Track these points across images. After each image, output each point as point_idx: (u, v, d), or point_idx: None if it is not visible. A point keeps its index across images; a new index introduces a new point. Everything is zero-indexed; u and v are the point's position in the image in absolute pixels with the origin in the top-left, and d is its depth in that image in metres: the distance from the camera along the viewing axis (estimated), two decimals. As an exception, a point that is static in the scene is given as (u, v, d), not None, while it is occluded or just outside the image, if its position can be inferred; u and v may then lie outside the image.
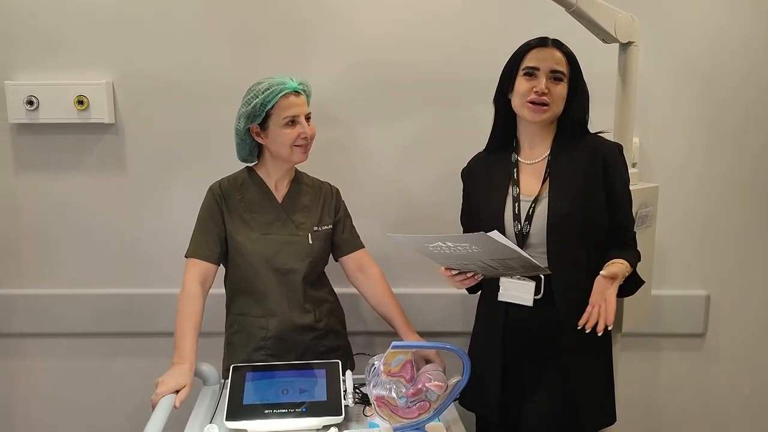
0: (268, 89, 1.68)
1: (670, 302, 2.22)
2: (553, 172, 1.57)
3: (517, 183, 1.60)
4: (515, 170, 1.62)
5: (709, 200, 2.18)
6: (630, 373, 2.27)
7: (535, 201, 1.56)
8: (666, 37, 2.09)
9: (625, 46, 1.78)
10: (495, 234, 1.34)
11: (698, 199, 2.18)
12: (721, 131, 2.15)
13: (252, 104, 1.69)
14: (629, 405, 2.29)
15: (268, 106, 1.69)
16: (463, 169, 1.76)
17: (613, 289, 1.47)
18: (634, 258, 1.58)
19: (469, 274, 1.54)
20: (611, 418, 1.66)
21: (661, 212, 2.03)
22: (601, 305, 1.45)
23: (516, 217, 1.57)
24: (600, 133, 1.64)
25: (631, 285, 1.61)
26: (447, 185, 2.14)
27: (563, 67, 1.55)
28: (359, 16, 2.07)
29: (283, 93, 1.68)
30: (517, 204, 1.58)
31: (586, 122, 1.62)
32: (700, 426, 2.33)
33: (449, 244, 1.42)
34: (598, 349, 1.63)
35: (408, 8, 2.07)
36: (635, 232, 1.64)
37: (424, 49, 2.09)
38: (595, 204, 1.56)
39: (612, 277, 1.47)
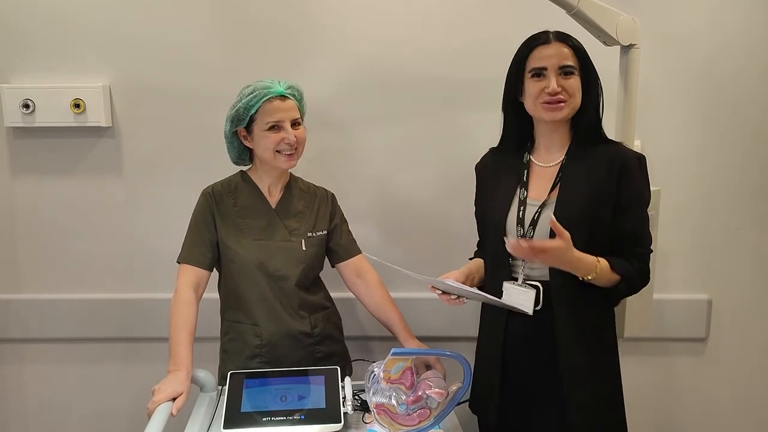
0: (253, 93, 1.67)
1: (672, 306, 2.21)
2: (564, 177, 1.51)
3: (525, 186, 1.55)
4: (525, 172, 1.56)
5: (711, 204, 2.17)
6: (632, 377, 2.24)
7: (543, 206, 1.50)
8: (668, 39, 2.07)
9: (626, 49, 1.77)
10: (451, 282, 1.42)
11: (700, 202, 2.17)
12: (724, 134, 2.13)
13: (236, 108, 1.68)
14: (631, 409, 2.27)
15: (252, 111, 1.67)
16: (477, 163, 1.70)
17: (551, 253, 1.36)
18: (625, 269, 1.47)
19: (452, 296, 1.52)
20: None
21: (663, 216, 2.01)
22: (535, 247, 1.34)
23: (520, 221, 1.51)
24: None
25: (611, 292, 1.51)
26: (445, 189, 2.14)
27: (571, 61, 1.48)
28: (356, 21, 2.06)
29: (267, 97, 1.66)
30: (522, 208, 1.52)
31: (600, 120, 1.54)
32: (702, 430, 2.31)
33: (418, 278, 1.46)
34: (603, 367, 1.56)
35: (406, 12, 2.06)
36: (649, 251, 1.53)
37: (422, 52, 2.07)
38: (604, 215, 1.47)
39: (566, 240, 1.36)
